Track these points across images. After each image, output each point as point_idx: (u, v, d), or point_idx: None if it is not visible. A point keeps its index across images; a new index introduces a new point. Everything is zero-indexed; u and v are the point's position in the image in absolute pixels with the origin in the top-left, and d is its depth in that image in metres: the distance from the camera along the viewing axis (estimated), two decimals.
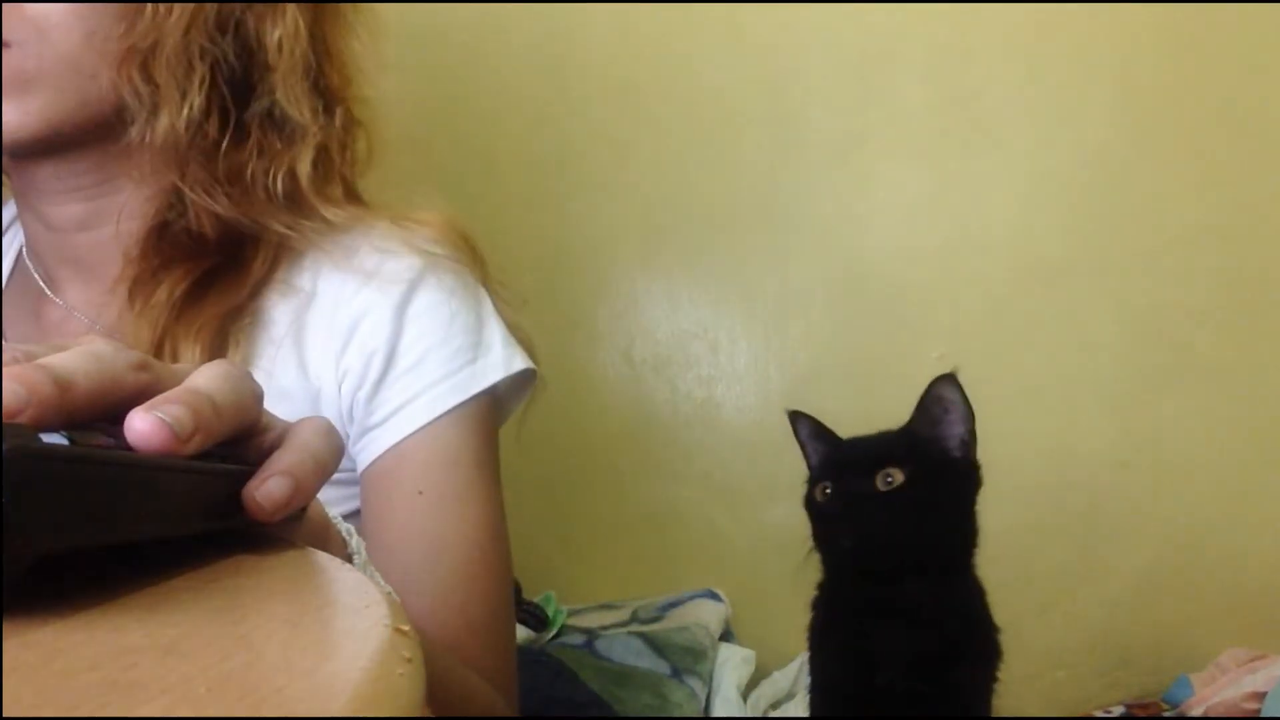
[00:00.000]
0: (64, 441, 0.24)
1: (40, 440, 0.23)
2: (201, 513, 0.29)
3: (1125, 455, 1.32)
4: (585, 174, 1.38)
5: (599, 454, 1.38)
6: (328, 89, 0.68)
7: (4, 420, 0.25)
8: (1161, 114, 1.32)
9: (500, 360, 0.67)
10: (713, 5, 1.34)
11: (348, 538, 0.41)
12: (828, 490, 0.76)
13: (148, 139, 0.62)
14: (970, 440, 0.76)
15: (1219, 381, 1.32)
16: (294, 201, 0.66)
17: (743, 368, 1.37)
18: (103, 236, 0.67)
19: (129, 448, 0.27)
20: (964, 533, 0.76)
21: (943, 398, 0.76)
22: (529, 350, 0.70)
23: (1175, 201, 1.32)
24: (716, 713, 1.12)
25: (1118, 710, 1.24)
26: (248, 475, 0.31)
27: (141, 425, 0.27)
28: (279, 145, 0.66)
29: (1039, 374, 1.32)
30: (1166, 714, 1.19)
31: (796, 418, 0.81)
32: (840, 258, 1.36)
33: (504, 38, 1.35)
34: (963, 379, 0.76)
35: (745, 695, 1.15)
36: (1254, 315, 1.32)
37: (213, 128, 0.63)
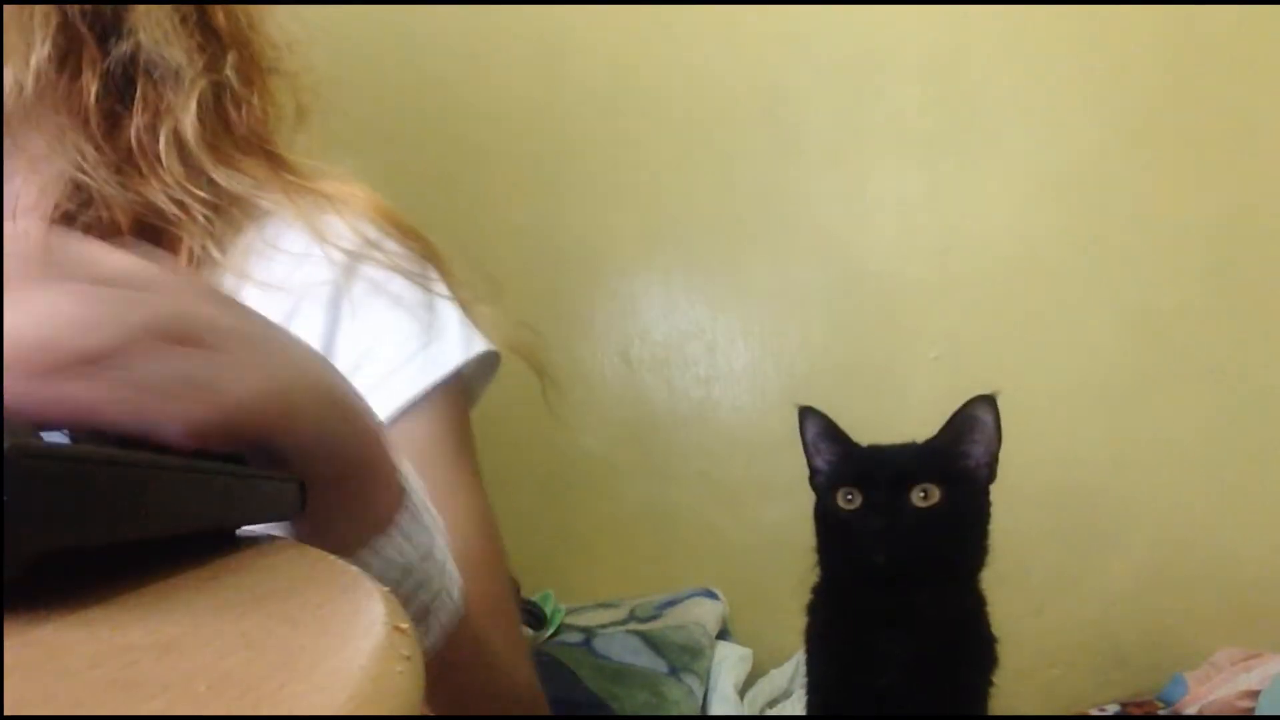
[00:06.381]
0: (64, 441, 0.24)
1: (40, 439, 0.23)
2: (202, 512, 0.29)
3: (1120, 455, 1.33)
4: (583, 174, 1.38)
5: (596, 453, 1.38)
6: (213, 28, 0.60)
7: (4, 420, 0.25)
8: (1157, 114, 1.33)
9: (458, 342, 0.61)
10: (711, 6, 1.34)
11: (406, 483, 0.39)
12: (851, 498, 0.74)
13: None
14: (994, 463, 0.76)
15: (1213, 382, 1.32)
16: (185, 164, 0.58)
17: (740, 368, 1.37)
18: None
19: (129, 447, 0.27)
20: (983, 550, 0.76)
21: (977, 418, 0.75)
22: (529, 346, 0.65)
23: (1171, 202, 1.33)
24: (714, 711, 1.12)
25: (1113, 708, 1.24)
26: (248, 475, 0.32)
27: None
28: (155, 94, 0.57)
29: (1034, 374, 1.32)
30: (1161, 712, 1.20)
31: (806, 414, 0.79)
32: (837, 258, 1.37)
33: (502, 38, 1.35)
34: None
35: (742, 693, 1.15)
36: (1249, 316, 1.32)
37: (72, 80, 0.55)
